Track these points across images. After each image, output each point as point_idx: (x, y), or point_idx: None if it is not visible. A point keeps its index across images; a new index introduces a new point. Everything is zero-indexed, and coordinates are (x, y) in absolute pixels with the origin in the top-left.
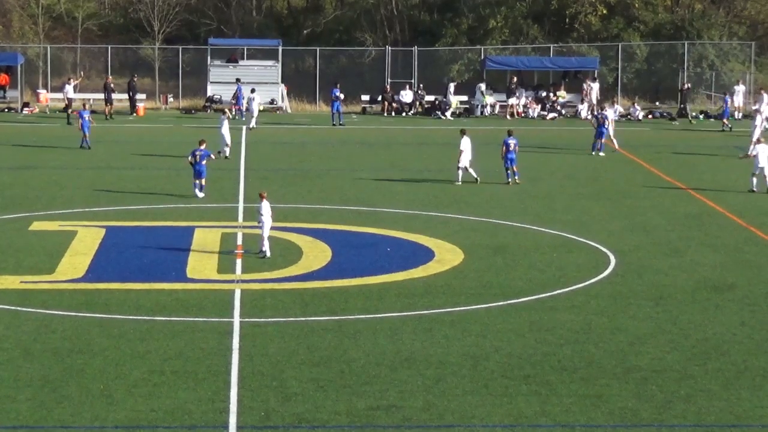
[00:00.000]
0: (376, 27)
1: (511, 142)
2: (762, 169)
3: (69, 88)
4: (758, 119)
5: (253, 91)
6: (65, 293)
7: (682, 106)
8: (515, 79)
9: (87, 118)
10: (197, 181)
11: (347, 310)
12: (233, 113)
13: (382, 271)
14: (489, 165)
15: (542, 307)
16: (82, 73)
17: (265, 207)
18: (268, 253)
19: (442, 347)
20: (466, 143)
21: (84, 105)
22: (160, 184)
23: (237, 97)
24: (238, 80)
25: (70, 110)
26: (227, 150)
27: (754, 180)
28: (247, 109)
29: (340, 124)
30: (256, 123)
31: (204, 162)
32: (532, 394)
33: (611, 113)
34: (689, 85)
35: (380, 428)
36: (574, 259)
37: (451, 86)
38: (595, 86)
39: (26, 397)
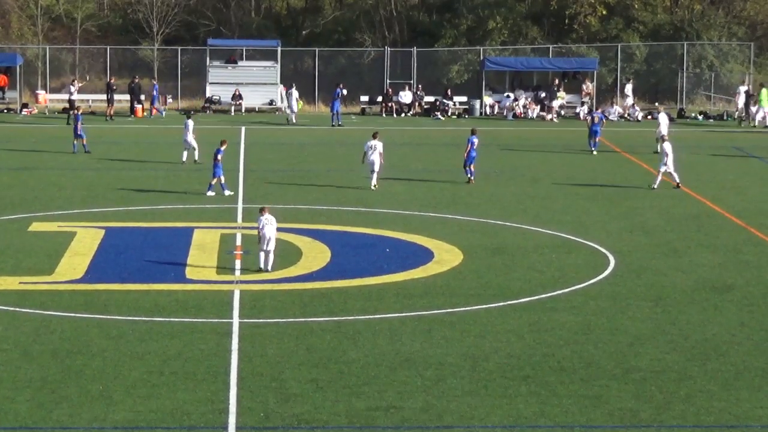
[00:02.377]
0: (375, 28)
1: (475, 140)
2: (668, 165)
3: (72, 89)
4: None
5: (291, 86)
6: (64, 294)
7: (743, 107)
8: (557, 81)
9: (81, 123)
10: (213, 181)
11: (346, 310)
12: (150, 113)
13: (381, 272)
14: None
15: (541, 307)
16: (87, 77)
17: (271, 221)
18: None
19: (441, 348)
20: (380, 146)
21: (79, 108)
22: (160, 185)
23: (153, 96)
24: (155, 81)
25: (71, 111)
26: (196, 153)
27: (659, 179)
28: (288, 106)
29: (338, 125)
30: (295, 119)
31: (218, 159)
32: (531, 394)
33: (612, 114)
34: (750, 87)
35: (379, 429)
36: (573, 260)
37: (560, 98)
38: (629, 87)
39: (25, 398)
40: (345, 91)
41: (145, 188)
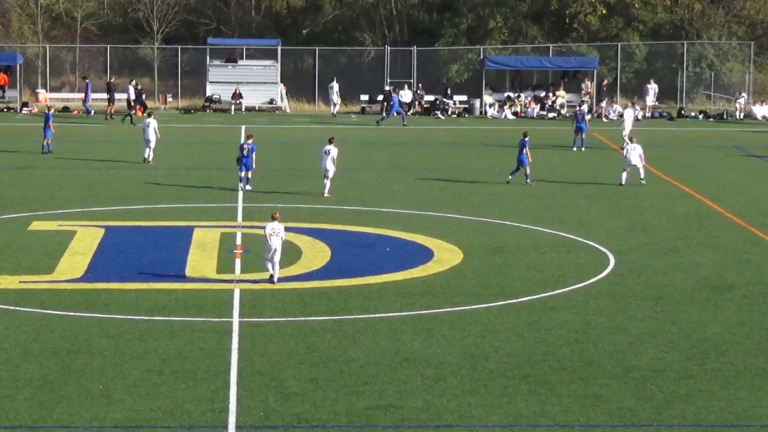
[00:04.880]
0: (375, 27)
1: (525, 144)
2: (634, 165)
3: (131, 89)
4: None
5: (332, 80)
6: (64, 293)
7: None
8: (605, 81)
9: (51, 123)
10: (242, 175)
11: (346, 309)
12: (84, 112)
13: (381, 271)
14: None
15: (541, 307)
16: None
17: (278, 231)
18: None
19: (441, 347)
20: (334, 152)
21: (50, 108)
22: (159, 184)
23: (86, 95)
24: (84, 78)
25: (132, 112)
26: (150, 153)
27: (624, 175)
28: (330, 99)
29: (378, 123)
30: (337, 112)
31: (251, 156)
32: (531, 394)
33: (629, 113)
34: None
35: (379, 428)
36: (573, 259)
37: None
38: (653, 87)
39: (25, 397)
40: (402, 93)
41: (144, 187)
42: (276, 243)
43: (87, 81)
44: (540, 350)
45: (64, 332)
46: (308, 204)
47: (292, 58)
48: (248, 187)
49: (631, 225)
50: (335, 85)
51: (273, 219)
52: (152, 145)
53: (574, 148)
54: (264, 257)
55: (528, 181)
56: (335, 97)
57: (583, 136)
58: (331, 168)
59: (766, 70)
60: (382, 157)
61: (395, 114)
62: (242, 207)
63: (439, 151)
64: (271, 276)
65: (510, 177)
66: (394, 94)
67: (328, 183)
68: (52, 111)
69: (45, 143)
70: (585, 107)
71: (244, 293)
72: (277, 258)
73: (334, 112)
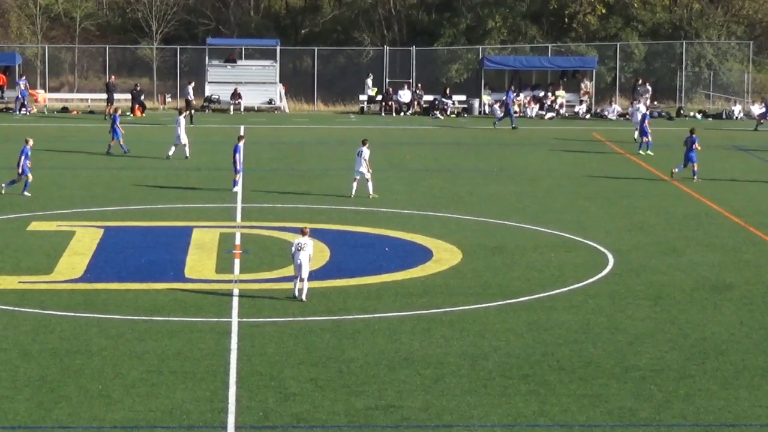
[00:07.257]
0: (374, 27)
1: (694, 140)
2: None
3: (190, 90)
4: None
5: (368, 75)
6: (63, 293)
7: None
8: (640, 81)
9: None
10: (235, 177)
11: (345, 309)
12: (18, 110)
13: (380, 271)
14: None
15: (541, 306)
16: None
17: (306, 246)
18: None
19: (440, 347)
20: (366, 153)
21: (117, 110)
22: (158, 184)
23: (21, 93)
24: (21, 76)
25: (192, 111)
26: (186, 150)
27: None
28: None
29: (513, 127)
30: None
31: (237, 156)
32: (530, 393)
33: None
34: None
35: (379, 428)
36: (572, 259)
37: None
38: (648, 88)
39: (24, 397)
40: (401, 93)
41: (143, 187)
42: (303, 258)
43: (22, 78)
44: (539, 350)
45: (63, 332)
46: (307, 204)
47: (291, 58)
48: (234, 188)
49: (630, 225)
50: (370, 81)
51: (303, 234)
52: (183, 141)
53: (640, 151)
54: (294, 274)
55: (696, 178)
56: (370, 92)
57: (647, 139)
58: (365, 169)
59: (765, 70)
60: (382, 157)
61: (511, 114)
62: (241, 207)
63: (439, 151)
64: (299, 292)
65: (676, 170)
66: (510, 92)
67: (369, 184)
68: (119, 112)
69: (111, 144)
70: (584, 105)
71: (243, 293)
72: (305, 274)
73: (367, 108)
